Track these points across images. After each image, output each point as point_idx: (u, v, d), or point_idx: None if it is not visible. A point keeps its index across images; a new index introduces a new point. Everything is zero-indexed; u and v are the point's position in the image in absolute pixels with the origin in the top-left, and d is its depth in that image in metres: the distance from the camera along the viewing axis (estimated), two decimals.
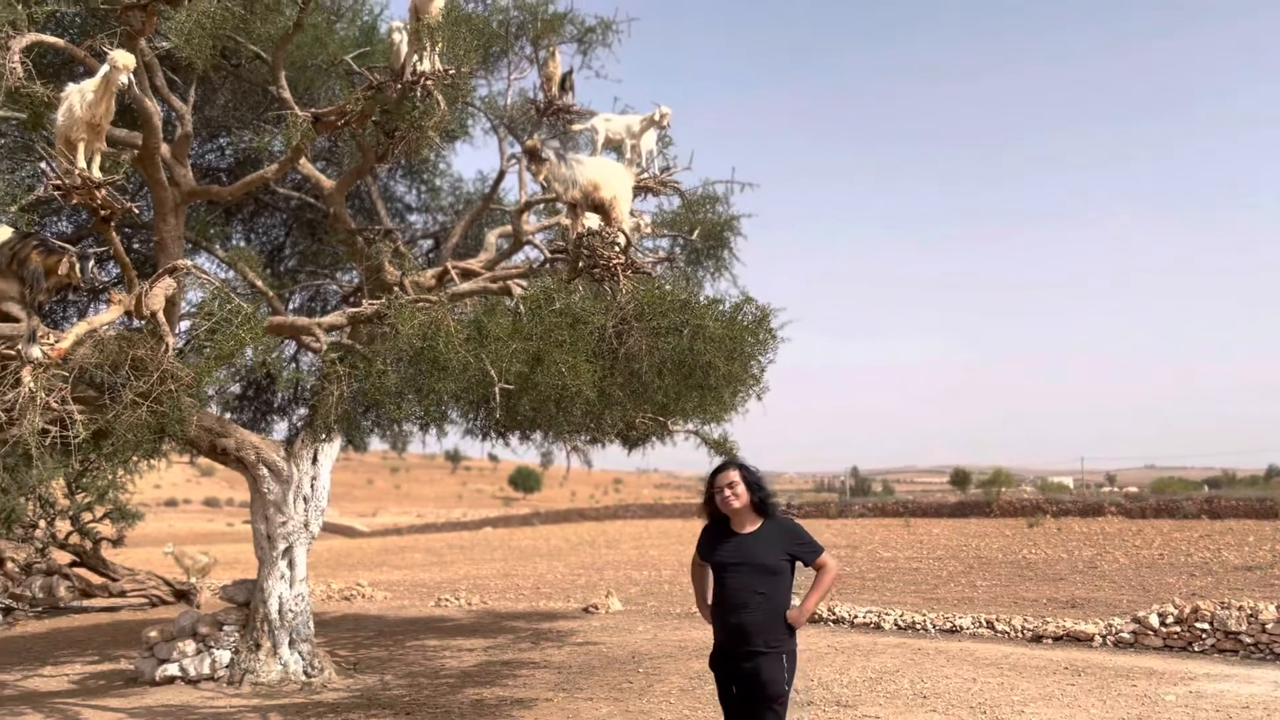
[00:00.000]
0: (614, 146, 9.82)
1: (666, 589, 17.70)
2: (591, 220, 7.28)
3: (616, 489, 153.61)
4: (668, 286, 7.54)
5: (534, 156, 6.53)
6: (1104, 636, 10.37)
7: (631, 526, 44.52)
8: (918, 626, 11.84)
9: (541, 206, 10.82)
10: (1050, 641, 10.66)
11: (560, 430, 9.07)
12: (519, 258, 10.41)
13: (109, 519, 18.66)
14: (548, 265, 8.70)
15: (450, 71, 7.19)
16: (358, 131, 8.09)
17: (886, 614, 12.43)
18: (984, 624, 11.44)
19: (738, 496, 4.53)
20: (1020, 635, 11.01)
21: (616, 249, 6.84)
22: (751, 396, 7.91)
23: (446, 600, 17.38)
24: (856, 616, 12.61)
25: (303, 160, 8.83)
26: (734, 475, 4.57)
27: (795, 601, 4.57)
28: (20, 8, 6.53)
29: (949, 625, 11.65)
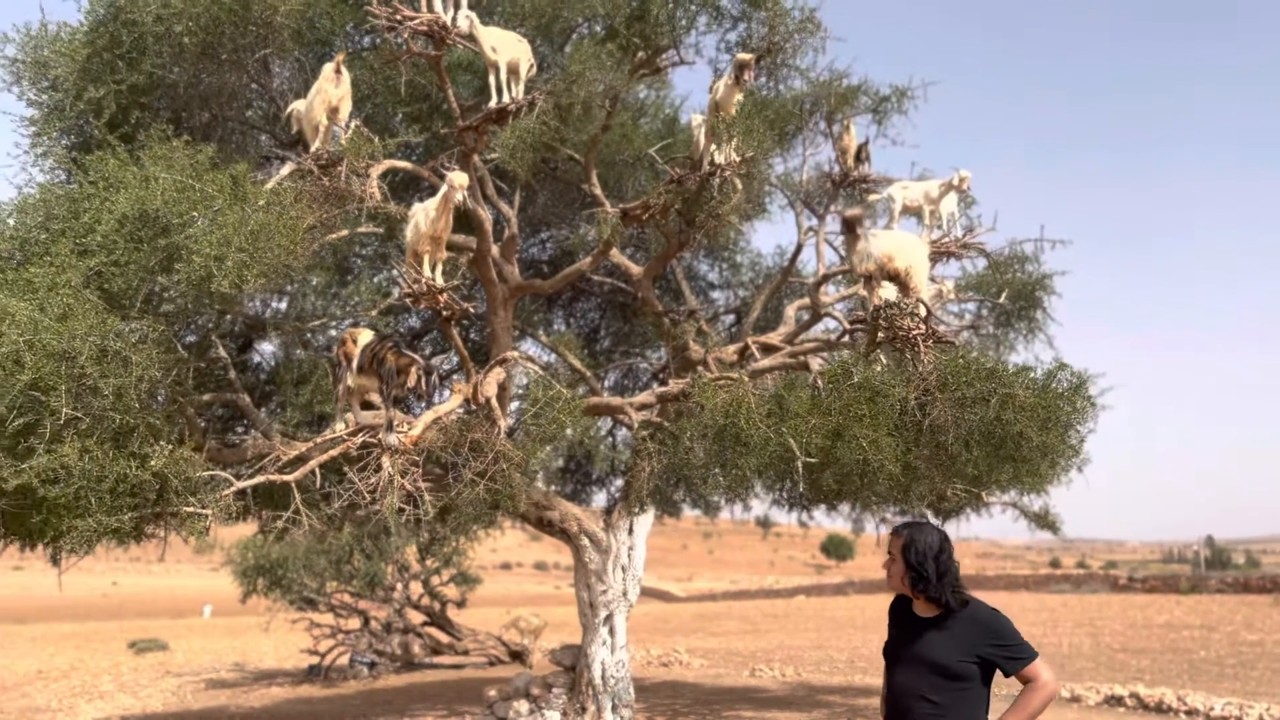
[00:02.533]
0: (913, 213, 9.74)
1: None
2: (889, 291, 7.27)
3: None
4: (973, 354, 7.33)
5: (851, 227, 6.66)
6: None
7: None
8: None
9: (840, 277, 10.89)
10: None
11: (866, 503, 8.98)
12: (818, 329, 10.50)
13: (454, 583, 20.44)
14: (847, 337, 8.74)
15: (745, 159, 7.51)
16: (661, 222, 8.60)
17: (1250, 707, 11.04)
18: None
19: (891, 576, 3.72)
20: None
21: (916, 319, 6.78)
22: (1071, 467, 7.46)
23: (761, 670, 17.41)
24: (1213, 709, 11.30)
25: (613, 250, 9.49)
26: (894, 544, 3.71)
27: None
28: (377, 140, 7.58)
29: None
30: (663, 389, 8.99)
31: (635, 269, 10.14)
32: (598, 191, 9.15)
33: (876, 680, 15.61)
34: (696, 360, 9.45)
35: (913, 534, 3.62)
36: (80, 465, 5.77)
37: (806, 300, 10.78)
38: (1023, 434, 6.69)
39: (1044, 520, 9.46)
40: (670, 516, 13.36)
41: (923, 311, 6.77)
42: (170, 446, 6.22)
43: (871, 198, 10.49)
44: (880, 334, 7.03)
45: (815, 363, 7.73)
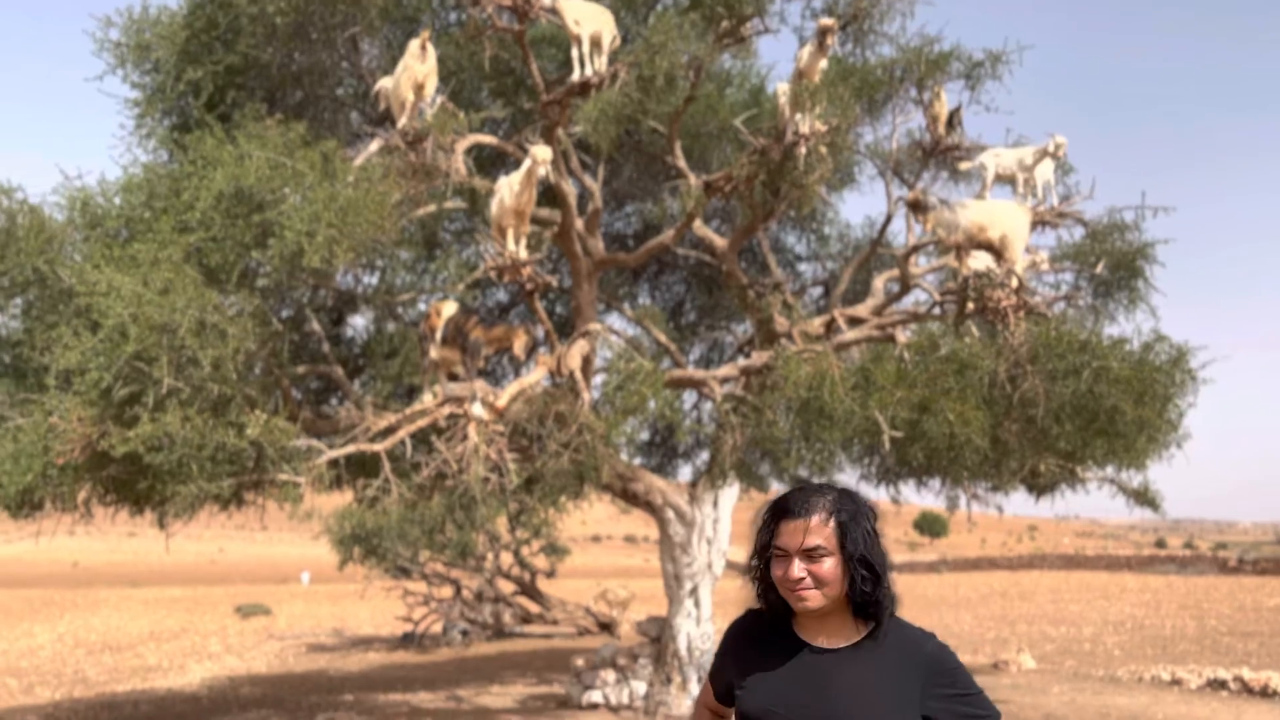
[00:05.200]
0: (1006, 181, 9.45)
1: (1087, 648, 16.31)
2: (981, 262, 7.09)
3: (1031, 536, 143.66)
4: (1066, 326, 7.11)
5: (917, 207, 6.52)
6: None
7: (1048, 578, 41.43)
8: None
9: (931, 248, 10.65)
10: None
11: (957, 477, 8.81)
12: (907, 302, 10.30)
13: (543, 553, 20.75)
14: (937, 309, 8.55)
15: (830, 128, 7.38)
16: (745, 193, 8.52)
17: None
18: None
19: (805, 588, 2.10)
20: None
21: (1006, 290, 6.60)
22: (1170, 443, 7.19)
23: None
24: None
25: (697, 222, 9.44)
26: (812, 527, 2.10)
27: None
28: (462, 116, 7.67)
29: None
30: (746, 361, 8.94)
31: (720, 241, 10.08)
32: (681, 163, 9.10)
33: (969, 657, 15.34)
34: (781, 333, 9.37)
35: (846, 504, 2.15)
36: (182, 433, 6.00)
37: (895, 272, 10.58)
38: (1117, 408, 6.48)
39: (1143, 497, 9.14)
40: (757, 491, 13.32)
41: (1014, 282, 6.59)
42: (266, 416, 6.43)
43: (963, 166, 10.21)
44: (969, 305, 6.87)
45: (902, 335, 7.60)
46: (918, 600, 30.49)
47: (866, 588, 2.12)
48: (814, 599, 2.12)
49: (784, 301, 10.30)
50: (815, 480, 10.14)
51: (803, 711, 2.10)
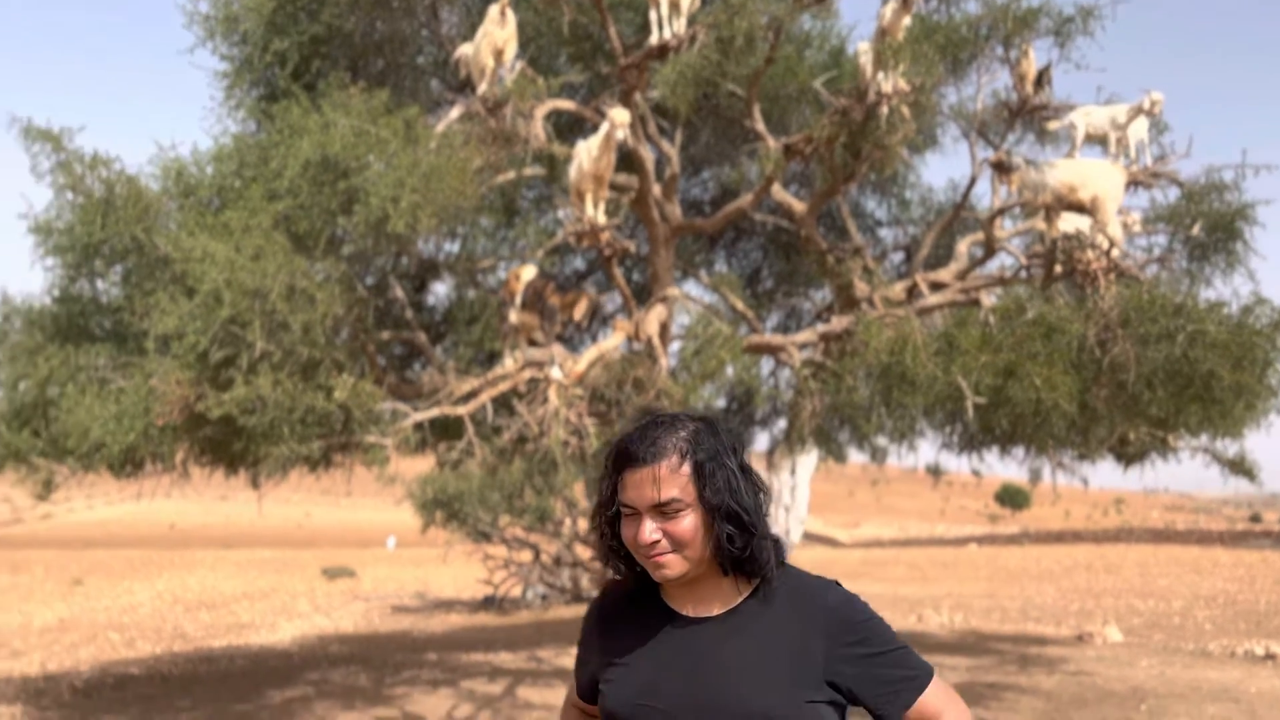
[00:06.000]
0: (1097, 141, 9.15)
1: (1177, 622, 15.91)
2: (1069, 223, 6.90)
3: (1118, 510, 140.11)
4: (1159, 289, 6.89)
5: (1002, 168, 6.36)
6: None
7: (1135, 551, 40.41)
8: None
9: (1018, 210, 10.38)
10: None
11: (1042, 445, 8.63)
12: (992, 265, 10.08)
13: None
14: (1024, 273, 8.36)
15: (913, 87, 7.23)
16: (825, 155, 8.40)
17: None
18: None
19: (661, 551, 1.70)
20: None
21: (1097, 252, 6.42)
22: (1270, 410, 6.94)
23: (928, 615, 17.13)
24: None
25: (776, 186, 9.35)
26: (662, 471, 1.68)
27: None
28: (541, 81, 7.69)
29: None
30: (825, 327, 8.86)
31: (799, 206, 9.97)
32: (760, 127, 9.01)
33: (1052, 628, 15.11)
34: (861, 298, 9.25)
35: (703, 440, 1.70)
36: (273, 396, 6.19)
37: (980, 235, 10.35)
38: (1213, 373, 6.26)
39: (1239, 466, 8.84)
40: (835, 460, 13.23)
41: (1104, 243, 6.40)
42: (353, 380, 6.59)
43: (1051, 126, 9.92)
44: (1058, 268, 6.69)
45: (987, 299, 7.44)
46: (998, 572, 30.04)
47: (735, 545, 1.67)
48: (673, 565, 1.67)
49: (864, 266, 10.17)
50: (897, 446, 10.05)
51: (676, 700, 1.64)
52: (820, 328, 9.13)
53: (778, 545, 1.78)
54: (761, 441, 13.79)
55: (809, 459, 10.57)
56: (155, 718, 8.88)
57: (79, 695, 10.16)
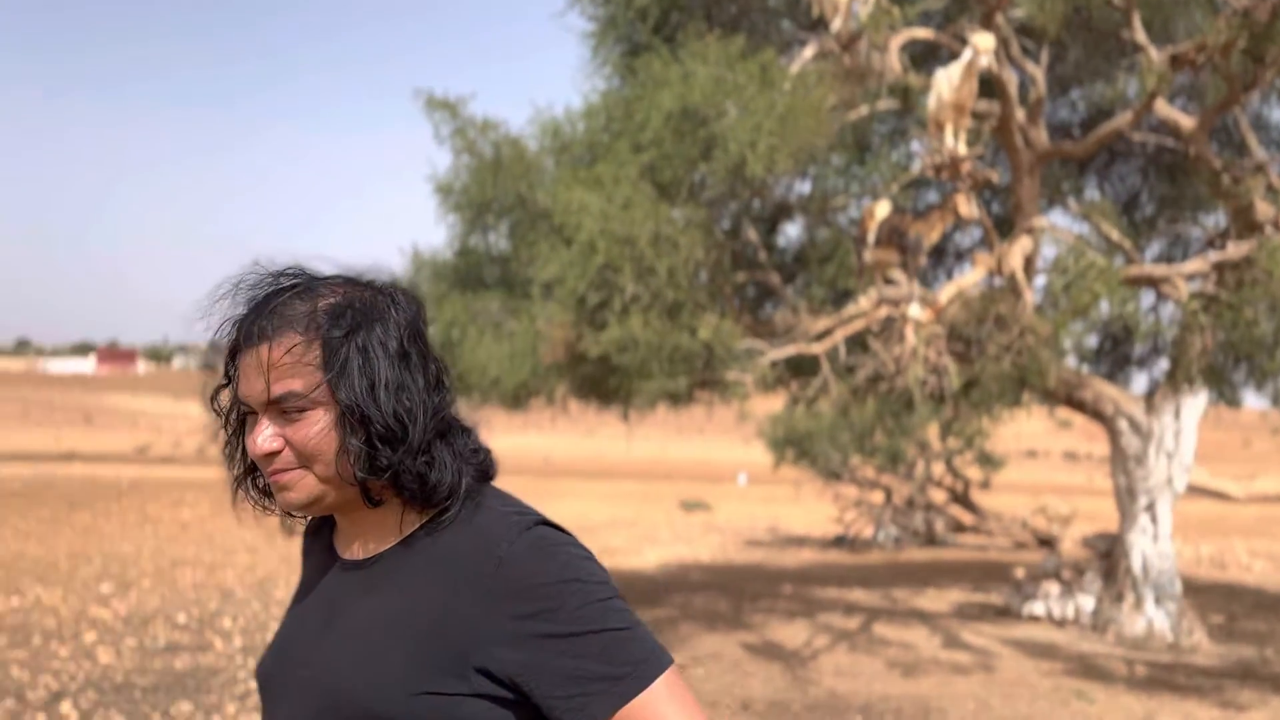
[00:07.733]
0: None
1: None
2: None
3: None
4: None
5: None
6: None
7: None
8: None
9: None
10: None
11: None
12: None
13: (976, 463, 20.22)
14: None
15: None
16: (1221, 63, 7.51)
17: None
18: None
19: (305, 451, 1.16)
20: None
21: None
22: None
23: None
24: None
25: (1159, 102, 8.50)
26: (274, 353, 1.14)
27: None
28: (896, 11, 7.49)
29: None
30: (1219, 255, 7.99)
31: (1186, 122, 8.98)
32: (1141, 37, 8.19)
33: None
34: (1264, 221, 8.22)
35: (343, 309, 1.16)
36: (644, 336, 6.64)
37: None
38: None
39: None
40: (1228, 404, 11.92)
41: None
42: (715, 320, 6.91)
43: None
44: None
45: None
46: None
47: (381, 461, 1.14)
48: (298, 486, 1.18)
49: (1268, 185, 9.00)
50: None
51: (296, 674, 1.21)
52: (1213, 256, 8.24)
53: (473, 462, 1.22)
54: (1137, 383, 12.72)
55: (1196, 401, 9.60)
56: None
57: None
